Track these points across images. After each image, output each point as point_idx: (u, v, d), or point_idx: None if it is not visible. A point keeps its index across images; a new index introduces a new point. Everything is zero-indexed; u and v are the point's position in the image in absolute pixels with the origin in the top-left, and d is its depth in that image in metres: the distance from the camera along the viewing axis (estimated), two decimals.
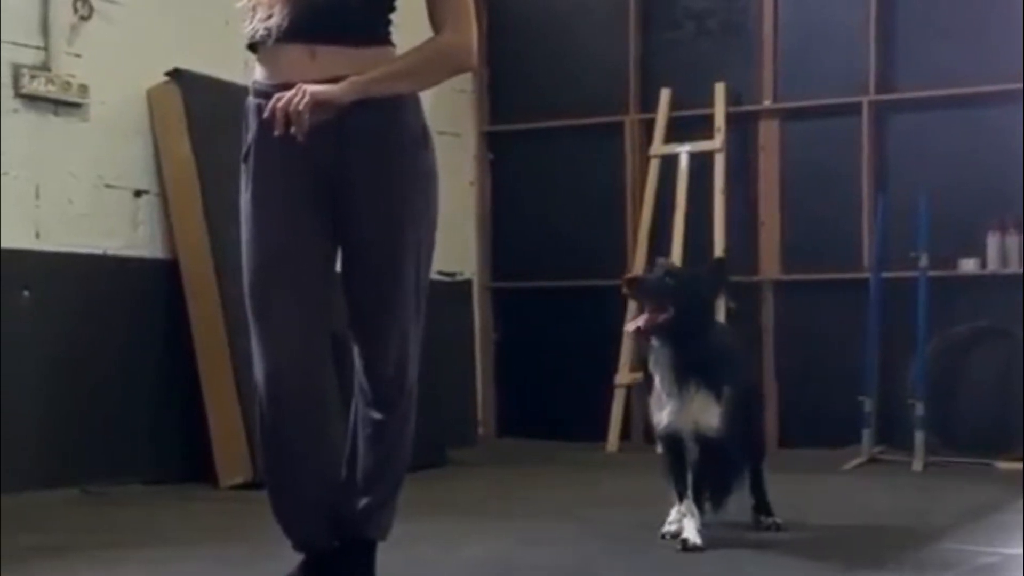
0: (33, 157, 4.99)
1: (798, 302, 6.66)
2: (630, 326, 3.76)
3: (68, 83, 5.08)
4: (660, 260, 3.98)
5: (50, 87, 5.02)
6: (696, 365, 3.72)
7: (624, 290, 3.80)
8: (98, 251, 5.20)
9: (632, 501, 5.04)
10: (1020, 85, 6.04)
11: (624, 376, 6.71)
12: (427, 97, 7.39)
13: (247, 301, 2.88)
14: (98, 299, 5.16)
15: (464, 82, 7.20)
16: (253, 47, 2.91)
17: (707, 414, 3.74)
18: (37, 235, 5.00)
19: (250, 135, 2.90)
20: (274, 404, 2.87)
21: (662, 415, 3.78)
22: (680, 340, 3.71)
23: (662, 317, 3.71)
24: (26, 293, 4.92)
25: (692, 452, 3.81)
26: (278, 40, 2.83)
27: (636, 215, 6.87)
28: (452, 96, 7.12)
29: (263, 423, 2.90)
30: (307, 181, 2.84)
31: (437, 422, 6.31)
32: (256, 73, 2.94)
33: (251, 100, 2.91)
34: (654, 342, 3.77)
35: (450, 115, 7.11)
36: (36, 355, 4.93)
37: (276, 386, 2.86)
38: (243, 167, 2.91)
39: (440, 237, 7.07)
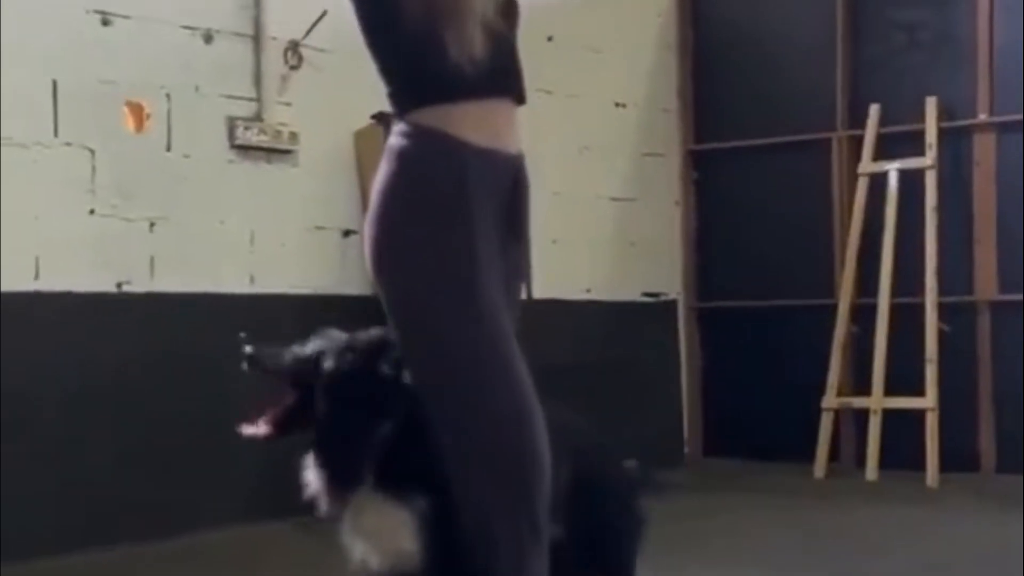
0: (247, 205, 5.24)
1: (1016, 323, 6.41)
2: (248, 430, 2.75)
3: (279, 132, 5.32)
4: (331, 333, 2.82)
5: (262, 136, 5.27)
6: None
7: (244, 366, 2.79)
8: (308, 291, 5.43)
9: (843, 536, 4.99)
10: None
11: (831, 400, 6.59)
12: (632, 117, 7.45)
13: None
14: (309, 336, 5.37)
15: (668, 101, 7.19)
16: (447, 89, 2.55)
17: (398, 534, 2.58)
18: (251, 279, 5.25)
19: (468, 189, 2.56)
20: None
21: None
22: (333, 443, 2.63)
23: (282, 410, 2.72)
24: (242, 335, 5.16)
25: None
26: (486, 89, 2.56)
27: (844, 234, 6.73)
28: (656, 116, 7.13)
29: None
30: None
31: (642, 442, 6.36)
32: (462, 127, 2.54)
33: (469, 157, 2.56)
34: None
35: (654, 135, 7.11)
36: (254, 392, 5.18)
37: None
38: (452, 205, 2.54)
39: (644, 257, 7.17)
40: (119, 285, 4.88)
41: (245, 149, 5.23)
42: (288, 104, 5.39)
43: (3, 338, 4.49)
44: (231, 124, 5.20)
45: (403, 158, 2.56)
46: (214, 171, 5.14)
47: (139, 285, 4.92)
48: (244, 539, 4.86)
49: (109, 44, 4.85)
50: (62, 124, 4.72)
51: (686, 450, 7.18)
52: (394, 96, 2.62)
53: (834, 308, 6.67)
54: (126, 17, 4.90)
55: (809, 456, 6.59)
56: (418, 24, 2.49)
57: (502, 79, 2.60)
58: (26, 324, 4.58)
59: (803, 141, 6.91)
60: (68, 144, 4.74)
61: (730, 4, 7.24)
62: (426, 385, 2.56)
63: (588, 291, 6.67)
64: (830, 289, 6.78)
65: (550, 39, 6.44)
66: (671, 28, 7.23)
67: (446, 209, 2.53)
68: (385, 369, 2.63)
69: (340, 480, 2.60)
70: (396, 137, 2.60)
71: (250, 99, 5.28)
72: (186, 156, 5.06)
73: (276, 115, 5.33)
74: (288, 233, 5.40)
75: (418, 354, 2.56)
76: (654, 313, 7.09)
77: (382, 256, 2.58)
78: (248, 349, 2.79)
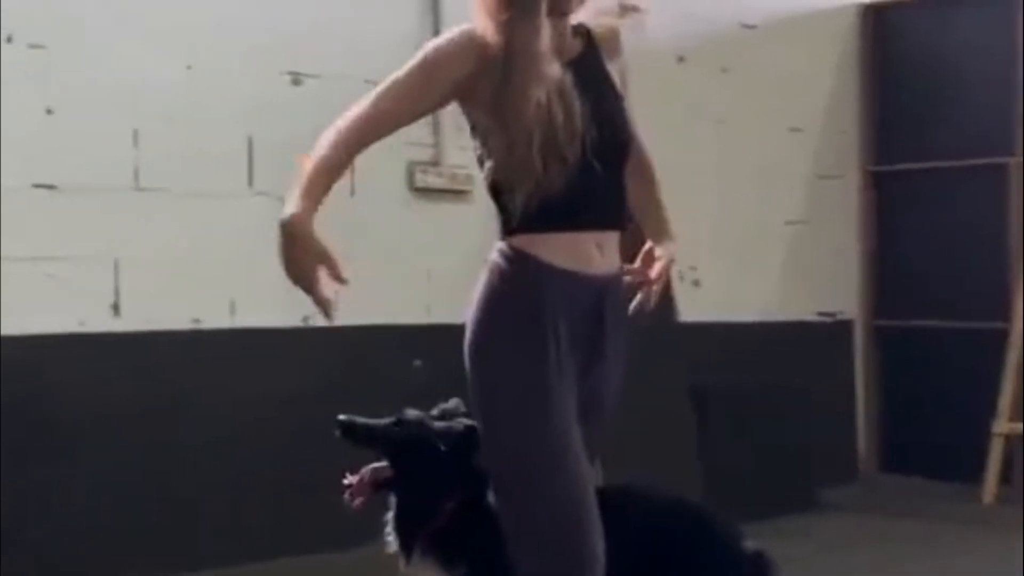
0: (424, 242, 5.70)
1: None
2: (347, 493, 3.08)
3: (455, 174, 5.74)
4: (410, 412, 3.22)
5: (439, 179, 5.71)
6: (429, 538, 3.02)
7: (336, 432, 3.10)
8: None
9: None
10: None
11: (1002, 425, 6.64)
12: (808, 140, 7.58)
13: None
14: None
15: (846, 123, 7.31)
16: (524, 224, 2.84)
17: None
18: (428, 310, 5.71)
19: (544, 308, 2.82)
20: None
21: None
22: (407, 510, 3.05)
23: (381, 477, 3.07)
24: (417, 363, 5.65)
25: None
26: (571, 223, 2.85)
27: (1020, 260, 6.74)
28: (834, 138, 7.26)
29: None
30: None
31: (808, 459, 6.52)
32: (550, 252, 2.84)
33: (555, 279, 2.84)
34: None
35: (832, 157, 7.25)
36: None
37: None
38: (528, 322, 2.82)
39: (821, 277, 7.33)
40: (305, 319, 5.42)
41: (423, 191, 5.68)
42: (464, 148, 5.77)
43: (204, 370, 5.09)
44: (410, 168, 5.65)
45: (493, 274, 2.92)
46: (394, 213, 5.61)
47: (323, 319, 5.42)
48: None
49: (299, 102, 5.37)
50: (256, 176, 5.27)
51: (860, 466, 7.33)
52: (499, 221, 2.97)
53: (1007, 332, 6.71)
54: (315, 76, 5.41)
55: (981, 478, 6.67)
56: (499, 170, 2.85)
57: (591, 213, 2.86)
58: (223, 357, 5.17)
59: (981, 165, 6.94)
60: (261, 194, 5.29)
61: (912, 27, 7.30)
62: (495, 483, 2.89)
63: (764, 311, 6.88)
64: (1006, 313, 6.80)
65: (724, 71, 6.66)
66: (850, 51, 7.33)
67: (522, 325, 2.85)
68: (463, 458, 3.02)
69: (407, 544, 3.02)
70: (494, 253, 2.95)
71: (430, 145, 5.72)
72: (368, 200, 5.55)
73: (453, 158, 5.74)
74: (460, 266, 5.80)
75: (489, 452, 2.89)
76: (829, 332, 7.25)
77: (470, 356, 2.95)
78: (342, 417, 3.12)
